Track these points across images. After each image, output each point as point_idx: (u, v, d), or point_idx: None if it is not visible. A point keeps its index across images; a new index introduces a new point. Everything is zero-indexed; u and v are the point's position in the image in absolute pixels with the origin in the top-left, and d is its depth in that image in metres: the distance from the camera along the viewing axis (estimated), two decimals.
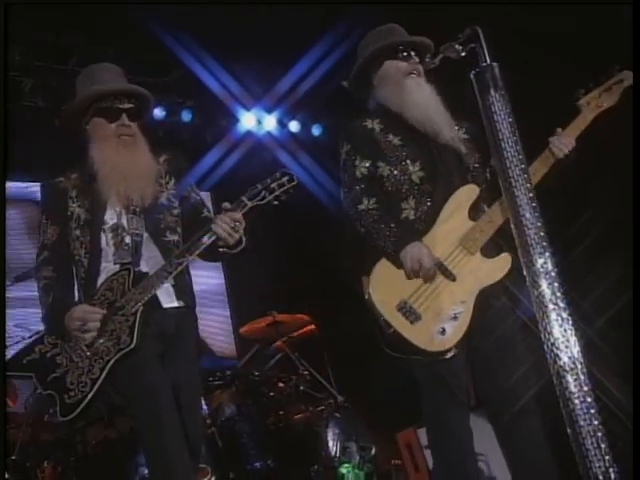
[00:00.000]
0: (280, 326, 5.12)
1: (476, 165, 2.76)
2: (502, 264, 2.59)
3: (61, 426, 4.42)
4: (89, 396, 2.52)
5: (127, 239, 2.69)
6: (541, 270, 1.86)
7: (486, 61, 2.05)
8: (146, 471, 3.83)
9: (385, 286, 2.60)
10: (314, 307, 5.38)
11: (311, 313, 5.24)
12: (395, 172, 2.70)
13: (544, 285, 1.85)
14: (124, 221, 2.71)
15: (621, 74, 2.68)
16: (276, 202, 2.64)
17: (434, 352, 2.51)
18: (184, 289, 2.78)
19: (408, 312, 2.54)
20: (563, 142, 2.65)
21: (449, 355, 2.52)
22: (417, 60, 2.81)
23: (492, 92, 1.98)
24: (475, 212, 2.66)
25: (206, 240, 2.60)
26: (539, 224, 1.89)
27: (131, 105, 2.71)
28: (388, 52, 2.84)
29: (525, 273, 1.92)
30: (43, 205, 2.81)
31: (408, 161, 2.71)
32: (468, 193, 2.67)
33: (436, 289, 2.56)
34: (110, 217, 2.72)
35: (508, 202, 1.95)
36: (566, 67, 3.65)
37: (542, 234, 1.88)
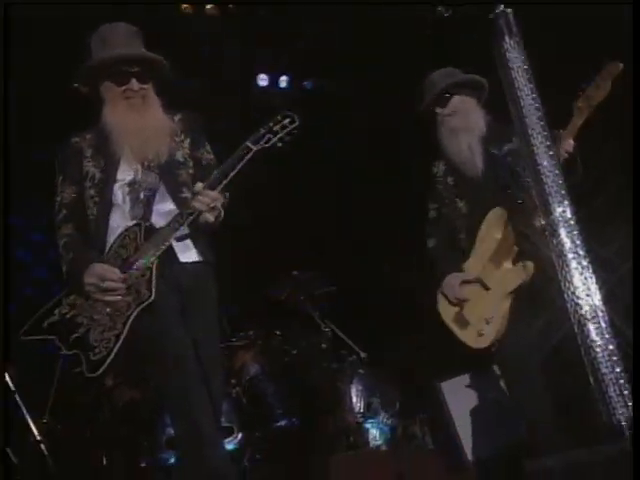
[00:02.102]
0: (301, 284, 5.15)
1: (506, 188, 3.03)
2: (522, 271, 2.99)
3: (88, 388, 4.51)
4: (114, 351, 2.55)
5: (142, 194, 2.74)
6: (560, 219, 1.86)
7: (500, 7, 2.03)
8: (172, 432, 3.96)
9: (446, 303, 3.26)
10: (335, 264, 5.38)
11: (332, 270, 5.26)
12: (450, 210, 3.21)
13: (563, 234, 1.86)
14: (139, 176, 2.76)
15: (608, 67, 2.78)
16: (280, 144, 2.68)
17: (480, 349, 3.10)
18: (203, 244, 2.82)
19: (461, 321, 3.15)
20: (563, 146, 2.82)
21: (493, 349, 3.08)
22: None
23: (507, 39, 1.95)
24: (504, 228, 3.06)
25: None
26: (557, 172, 1.88)
27: (140, 69, 2.75)
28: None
29: (543, 222, 1.92)
30: (59, 165, 2.85)
31: (457, 199, 3.19)
32: (496, 215, 3.07)
33: (477, 299, 3.11)
34: (126, 174, 2.77)
35: (525, 150, 1.94)
36: (565, 67, 3.67)
37: (560, 182, 1.88)
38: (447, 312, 3.22)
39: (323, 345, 4.89)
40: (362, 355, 4.82)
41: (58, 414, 4.43)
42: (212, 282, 2.84)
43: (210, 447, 2.54)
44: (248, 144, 2.65)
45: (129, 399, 4.43)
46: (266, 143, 2.65)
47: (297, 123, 2.68)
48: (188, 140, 2.86)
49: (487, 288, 3.08)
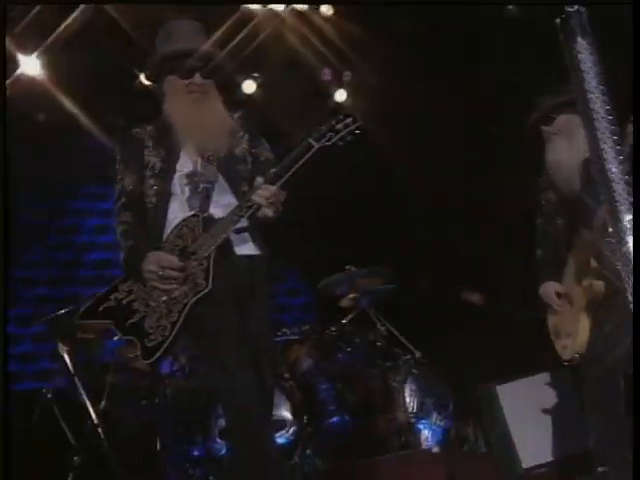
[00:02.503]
0: (357, 281, 5.14)
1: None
2: (592, 288, 3.10)
3: (143, 376, 4.65)
4: (170, 338, 2.59)
5: (201, 185, 2.77)
6: (628, 226, 1.79)
7: (573, 6, 1.93)
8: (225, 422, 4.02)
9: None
10: (393, 262, 5.34)
11: (390, 268, 5.23)
12: (552, 225, 3.32)
13: (630, 242, 1.78)
14: (199, 169, 2.79)
15: None
16: (341, 143, 2.69)
17: (566, 360, 3.24)
18: (260, 238, 2.85)
19: (555, 331, 3.31)
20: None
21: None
22: None
23: (579, 39, 1.89)
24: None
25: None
26: (626, 178, 1.83)
27: (204, 64, 2.79)
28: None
29: (611, 229, 1.87)
30: (120, 154, 2.89)
31: (557, 215, 3.32)
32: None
33: (565, 312, 3.26)
34: (185, 165, 2.81)
35: (594, 157, 1.89)
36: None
37: (630, 190, 1.82)
38: (549, 320, 3.37)
39: (378, 343, 4.87)
40: (417, 354, 4.79)
41: (115, 399, 4.54)
42: (267, 276, 2.86)
43: (261, 440, 2.57)
44: (310, 141, 2.67)
45: (184, 387, 4.49)
46: (327, 141, 2.67)
47: (359, 123, 2.69)
48: (247, 137, 2.90)
49: (572, 303, 3.22)
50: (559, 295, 3.27)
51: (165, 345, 2.59)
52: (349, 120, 2.70)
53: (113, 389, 4.57)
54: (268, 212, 2.68)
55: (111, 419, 4.49)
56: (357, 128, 2.69)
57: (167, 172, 2.79)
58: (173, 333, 2.59)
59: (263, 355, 2.71)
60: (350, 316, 5.19)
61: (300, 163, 2.66)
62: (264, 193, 2.64)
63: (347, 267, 5.13)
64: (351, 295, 5.30)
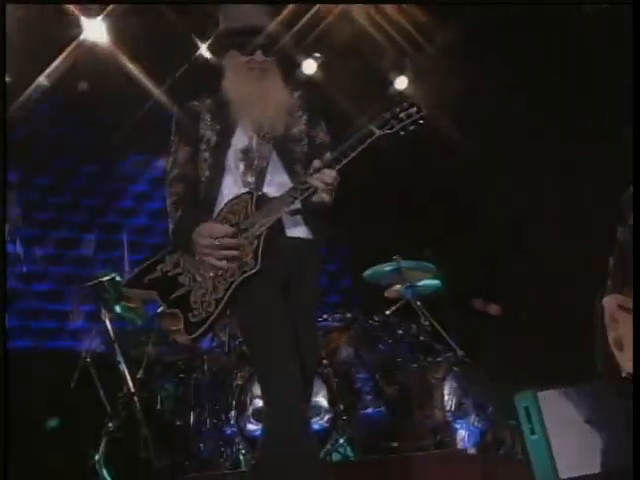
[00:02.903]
0: (404, 273, 5.11)
1: None
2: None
3: (183, 350, 4.68)
4: (214, 315, 2.57)
5: (255, 162, 2.76)
6: None
7: None
8: (261, 403, 3.96)
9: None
10: (442, 257, 5.31)
11: (438, 261, 5.20)
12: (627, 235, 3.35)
13: None
14: (254, 145, 2.77)
15: None
16: (403, 132, 2.65)
17: (628, 373, 3.29)
18: (313, 222, 2.81)
19: (620, 346, 3.33)
20: None
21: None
22: None
23: None
24: None
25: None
26: None
27: (266, 41, 2.77)
28: None
29: None
30: (176, 125, 2.88)
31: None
32: None
33: (628, 326, 3.26)
34: (240, 141, 2.79)
35: None
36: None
37: None
38: (610, 332, 3.40)
39: (420, 337, 4.84)
40: (459, 353, 4.71)
41: (152, 370, 4.58)
42: (317, 261, 2.83)
43: (298, 425, 2.54)
44: (372, 128, 2.63)
45: (222, 365, 4.51)
46: (390, 129, 2.64)
47: (423, 113, 2.64)
48: (305, 117, 2.87)
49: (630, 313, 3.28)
50: (623, 308, 3.29)
51: (209, 322, 2.58)
52: (413, 110, 2.65)
53: (151, 360, 4.60)
54: (325, 197, 2.66)
55: (148, 390, 4.52)
56: (421, 118, 2.65)
57: (222, 146, 2.78)
58: (217, 310, 2.58)
59: (306, 341, 2.69)
60: (394, 307, 5.16)
61: (359, 149, 2.62)
62: (323, 177, 2.61)
63: (395, 257, 5.11)
64: (397, 286, 5.29)
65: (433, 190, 6.20)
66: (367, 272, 5.31)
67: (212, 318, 2.58)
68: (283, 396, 2.52)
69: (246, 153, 2.77)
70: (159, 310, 2.70)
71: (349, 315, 4.87)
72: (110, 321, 4.54)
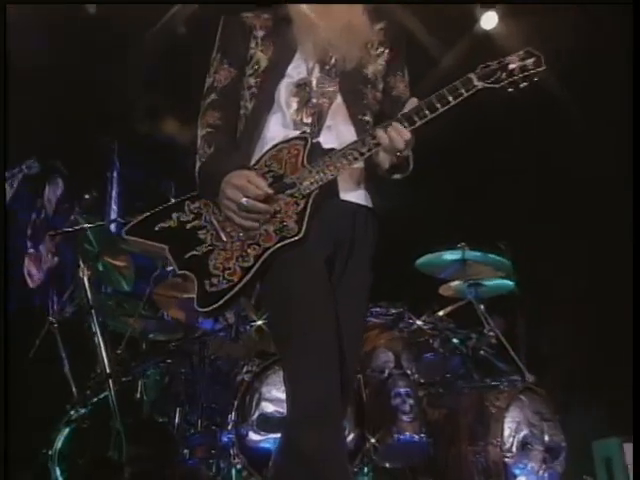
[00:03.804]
0: (469, 266, 5.16)
1: None
2: None
3: (176, 328, 4.76)
4: (238, 286, 2.54)
5: (313, 100, 2.76)
6: None
7: None
8: (270, 408, 4.08)
9: None
10: (519, 250, 5.30)
11: (514, 257, 5.21)
12: None
13: None
14: (314, 79, 2.78)
15: None
16: (511, 89, 2.65)
17: None
18: (374, 187, 2.83)
19: None
20: None
21: None
22: None
23: None
24: None
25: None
26: None
27: None
28: None
29: None
30: (221, 40, 2.89)
31: None
32: None
33: None
34: (297, 71, 2.80)
35: None
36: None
37: None
38: None
39: (481, 351, 4.86)
40: (528, 377, 4.67)
41: (137, 348, 4.70)
42: (373, 235, 2.84)
43: (331, 441, 2.50)
44: (472, 77, 2.63)
45: (226, 354, 4.56)
46: (495, 83, 2.64)
47: (543, 67, 2.63)
48: (385, 56, 2.89)
49: None
50: None
51: (230, 294, 2.54)
52: (530, 61, 2.65)
53: (135, 336, 4.68)
54: (385, 159, 2.65)
55: (126, 373, 4.55)
56: (537, 74, 2.64)
57: (274, 74, 2.79)
58: (243, 281, 2.55)
59: (349, 334, 2.68)
60: (451, 308, 5.18)
61: (451, 105, 2.62)
62: (394, 135, 2.59)
63: (460, 245, 5.15)
64: (456, 282, 5.33)
65: (521, 167, 6.17)
66: (421, 259, 5.33)
67: (235, 290, 2.55)
68: (317, 401, 2.46)
69: (303, 87, 2.77)
70: (168, 269, 2.70)
71: (393, 311, 4.88)
72: (89, 280, 4.49)
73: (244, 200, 2.59)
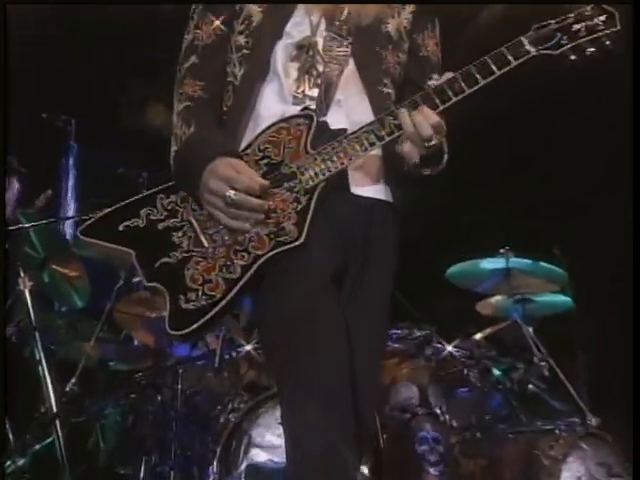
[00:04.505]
0: (514, 277, 5.15)
1: None
2: None
3: (143, 355, 4.75)
4: (221, 304, 2.53)
5: (319, 67, 2.74)
6: None
7: None
8: (262, 457, 4.05)
9: None
10: (578, 257, 5.31)
11: (571, 266, 5.21)
12: None
13: None
14: (320, 38, 2.77)
15: None
16: (573, 57, 2.64)
17: None
18: (394, 179, 2.82)
19: None
20: None
21: None
22: None
23: None
24: None
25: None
26: None
27: None
28: None
29: None
30: None
31: None
32: None
33: None
34: (298, 28, 2.80)
35: None
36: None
37: None
38: None
39: (530, 386, 4.86)
40: (591, 420, 4.64)
41: (92, 381, 4.70)
42: (394, 239, 2.85)
43: None
44: (523, 41, 2.62)
45: (206, 388, 4.57)
46: (553, 48, 2.64)
47: (618, 28, 2.62)
48: (411, 10, 2.91)
49: None
50: None
51: (211, 313, 2.53)
52: (601, 19, 2.64)
53: (91, 366, 4.70)
54: (409, 150, 2.62)
55: (79, 412, 4.57)
56: (610, 37, 2.63)
57: (269, 32, 2.79)
58: (227, 298, 2.53)
59: (365, 365, 2.67)
60: (491, 330, 5.21)
61: (496, 75, 2.60)
62: (423, 121, 2.56)
63: (503, 250, 5.14)
64: (498, 297, 5.36)
65: (581, 152, 6.19)
66: (453, 268, 5.34)
67: (218, 308, 2.53)
68: (324, 449, 2.46)
69: (305, 51, 2.77)
70: (133, 281, 2.68)
71: (418, 334, 4.90)
72: (31, 294, 4.52)
73: (232, 194, 2.57)
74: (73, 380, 4.54)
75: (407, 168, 2.68)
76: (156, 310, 4.71)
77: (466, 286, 5.44)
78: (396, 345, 4.84)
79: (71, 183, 5.61)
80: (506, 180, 6.43)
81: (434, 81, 2.63)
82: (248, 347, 4.61)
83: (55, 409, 4.28)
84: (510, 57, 2.60)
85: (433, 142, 2.57)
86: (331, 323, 2.57)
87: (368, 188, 2.77)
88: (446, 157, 2.72)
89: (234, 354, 4.56)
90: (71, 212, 5.14)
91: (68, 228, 5.38)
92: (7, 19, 3.79)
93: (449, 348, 4.93)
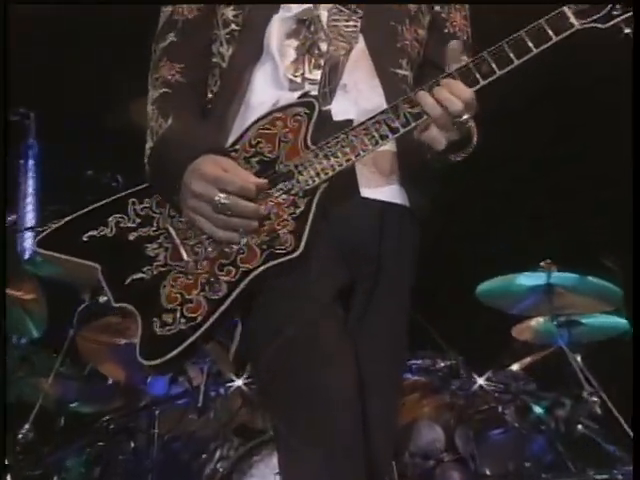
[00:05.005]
0: (558, 295, 5.11)
1: None
2: None
3: (112, 394, 4.73)
4: (204, 328, 2.50)
5: (322, 46, 2.76)
6: None
7: None
8: None
9: None
10: (625, 271, 5.13)
11: (626, 282, 5.13)
12: None
13: None
14: (323, 12, 2.79)
15: None
16: (629, 30, 2.64)
17: None
18: (412, 178, 2.82)
19: None
20: None
21: None
22: None
23: None
24: None
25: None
26: None
27: None
28: None
29: None
30: None
31: None
32: None
33: None
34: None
35: None
36: None
37: None
38: None
39: (579, 426, 4.84)
40: None
41: (50, 429, 4.66)
42: (413, 249, 2.85)
43: None
44: (566, 12, 2.60)
45: (187, 432, 4.57)
46: (602, 21, 2.63)
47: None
48: None
49: None
50: None
51: (191, 339, 2.49)
52: None
53: (49, 407, 4.68)
54: (439, 136, 2.58)
55: (35, 465, 4.53)
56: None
57: (263, 5, 2.81)
58: (210, 321, 2.50)
59: (379, 402, 2.66)
60: (530, 359, 5.20)
61: (533, 55, 2.57)
62: (450, 97, 2.53)
63: (544, 263, 5.10)
64: (538, 320, 5.32)
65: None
66: (484, 285, 5.31)
67: (199, 334, 2.51)
68: None
69: (306, 25, 2.79)
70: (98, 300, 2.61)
71: (442, 364, 4.90)
72: None
73: (222, 197, 2.54)
74: (27, 425, 4.50)
75: (430, 156, 2.67)
76: (127, 336, 4.73)
77: (500, 306, 5.41)
78: (416, 378, 4.86)
79: (30, 188, 5.51)
80: (546, 179, 6.46)
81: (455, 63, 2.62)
82: (239, 382, 4.56)
83: (6, 460, 4.24)
84: (550, 31, 2.59)
85: (465, 116, 2.55)
86: (337, 352, 2.55)
87: (380, 190, 2.77)
88: (475, 138, 2.68)
89: (222, 391, 4.53)
90: (28, 222, 5.04)
91: (23, 242, 5.32)
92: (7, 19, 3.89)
93: (480, 381, 4.91)
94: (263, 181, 2.55)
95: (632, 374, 3.26)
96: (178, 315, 2.51)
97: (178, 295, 2.54)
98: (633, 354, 3.27)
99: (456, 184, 2.86)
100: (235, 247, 2.55)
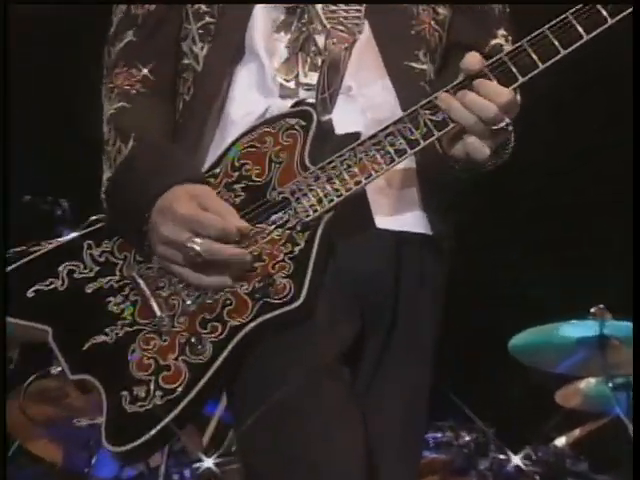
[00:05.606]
0: (614, 348, 5.04)
1: None
2: None
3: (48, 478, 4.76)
4: (185, 402, 2.49)
5: (318, 40, 2.78)
6: None
7: None
8: None
9: None
10: None
11: None
12: None
13: None
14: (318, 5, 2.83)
15: None
16: None
17: None
18: (435, 200, 2.85)
19: None
20: None
21: None
22: None
23: None
24: None
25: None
26: None
27: None
28: None
29: None
30: None
31: None
32: None
33: None
34: None
35: None
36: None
37: None
38: None
39: None
40: None
41: None
42: (438, 290, 2.87)
43: None
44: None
45: None
46: None
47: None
48: None
49: None
50: None
51: (171, 417, 2.49)
52: None
53: None
54: (478, 145, 2.56)
55: None
56: None
57: None
58: (196, 391, 2.50)
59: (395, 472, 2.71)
60: (579, 432, 5.17)
61: (583, 42, 2.55)
62: (481, 102, 2.51)
63: (595, 309, 5.06)
64: (590, 380, 5.30)
65: None
66: (518, 338, 5.26)
67: (180, 409, 2.49)
68: None
69: (297, 15, 2.81)
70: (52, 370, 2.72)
71: (468, 438, 4.88)
72: None
73: (197, 245, 2.49)
74: None
75: (458, 167, 2.64)
76: (68, 408, 4.65)
77: (539, 364, 5.38)
78: (434, 455, 4.86)
79: None
80: (595, 208, 6.46)
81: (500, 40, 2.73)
82: (208, 462, 4.55)
83: None
84: (604, 12, 2.56)
85: (503, 124, 2.52)
86: (343, 425, 2.53)
87: (398, 218, 2.78)
88: (513, 142, 2.68)
89: (187, 473, 4.53)
90: None
91: None
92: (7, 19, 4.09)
93: (515, 460, 4.86)
94: (245, 225, 2.49)
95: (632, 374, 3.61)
96: (152, 387, 2.49)
97: (151, 361, 2.51)
98: (633, 354, 3.74)
99: (480, 203, 2.70)
100: (220, 297, 2.49)
